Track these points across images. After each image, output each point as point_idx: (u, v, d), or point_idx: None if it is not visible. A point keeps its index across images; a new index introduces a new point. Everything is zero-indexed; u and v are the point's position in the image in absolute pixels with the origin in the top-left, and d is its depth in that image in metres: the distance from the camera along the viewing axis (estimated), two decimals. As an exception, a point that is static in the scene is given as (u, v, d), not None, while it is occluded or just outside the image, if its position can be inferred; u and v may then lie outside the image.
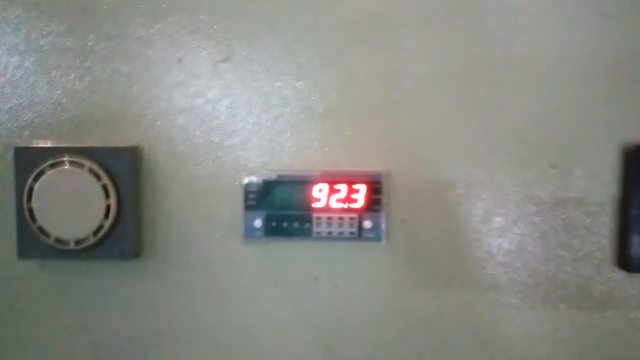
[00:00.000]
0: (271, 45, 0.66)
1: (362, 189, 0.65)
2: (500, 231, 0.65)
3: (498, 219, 0.65)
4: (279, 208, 0.65)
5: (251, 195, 0.65)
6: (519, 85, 0.64)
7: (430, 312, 0.67)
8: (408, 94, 0.65)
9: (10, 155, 0.66)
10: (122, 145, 0.66)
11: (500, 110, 0.65)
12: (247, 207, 0.65)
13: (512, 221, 0.65)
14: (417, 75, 0.65)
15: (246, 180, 0.65)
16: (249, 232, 0.66)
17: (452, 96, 0.65)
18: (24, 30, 0.67)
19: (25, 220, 0.64)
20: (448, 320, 0.67)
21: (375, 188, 0.65)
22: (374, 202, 0.65)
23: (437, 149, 0.66)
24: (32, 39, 0.67)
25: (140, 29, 0.66)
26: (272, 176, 0.65)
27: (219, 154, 0.67)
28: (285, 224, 0.65)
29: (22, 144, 0.66)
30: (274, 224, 0.65)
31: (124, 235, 0.65)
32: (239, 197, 0.65)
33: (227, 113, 0.67)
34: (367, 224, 0.65)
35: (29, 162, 0.64)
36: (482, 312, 0.67)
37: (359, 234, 0.65)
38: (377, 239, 0.65)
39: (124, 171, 0.65)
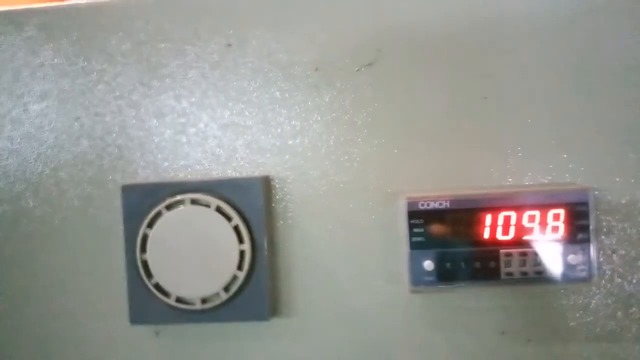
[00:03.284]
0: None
1: (562, 213, 0.50)
2: None
3: None
4: (454, 244, 0.51)
5: (417, 230, 0.51)
6: None
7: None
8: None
9: (118, 198, 0.53)
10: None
11: None
12: (413, 245, 0.51)
13: None
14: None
15: (410, 211, 0.51)
16: (417, 278, 0.51)
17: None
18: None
19: (138, 277, 0.51)
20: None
21: (580, 211, 0.50)
22: (578, 230, 0.50)
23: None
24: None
25: (265, 34, 0.54)
26: (444, 203, 0.51)
27: (367, 178, 0.53)
28: (464, 265, 0.50)
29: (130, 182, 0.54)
30: (449, 265, 0.51)
31: (260, 290, 0.51)
32: (400, 232, 0.51)
33: (371, 123, 0.53)
34: (573, 259, 0.50)
35: (141, 203, 0.51)
36: None
37: (563, 272, 0.50)
38: (587, 278, 0.50)
39: (256, 208, 0.51)
